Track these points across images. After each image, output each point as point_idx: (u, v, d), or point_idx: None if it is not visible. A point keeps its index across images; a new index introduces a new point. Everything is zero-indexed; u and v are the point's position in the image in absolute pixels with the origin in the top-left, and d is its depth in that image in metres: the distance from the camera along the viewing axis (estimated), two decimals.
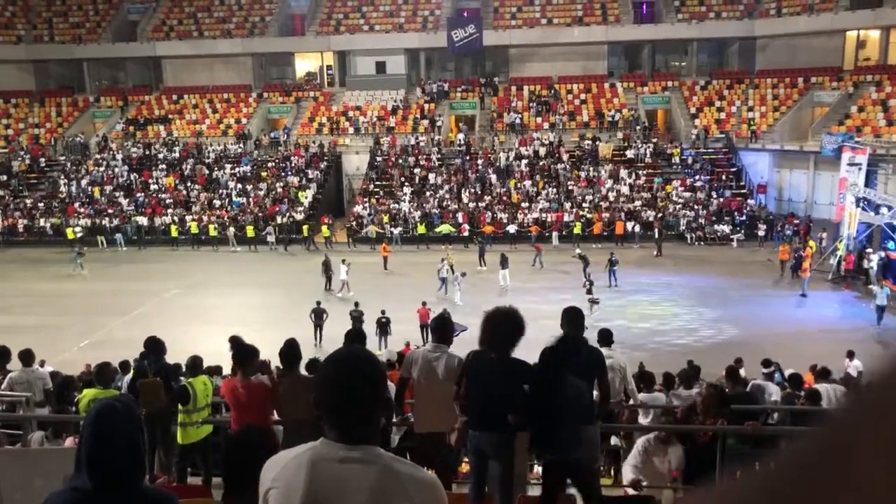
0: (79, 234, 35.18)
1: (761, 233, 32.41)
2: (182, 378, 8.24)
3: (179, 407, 7.43)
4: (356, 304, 20.70)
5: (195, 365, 7.84)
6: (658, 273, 27.10)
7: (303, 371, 6.97)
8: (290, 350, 6.31)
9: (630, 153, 38.47)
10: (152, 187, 39.35)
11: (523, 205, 35.57)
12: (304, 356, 7.03)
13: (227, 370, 11.11)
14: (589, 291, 22.77)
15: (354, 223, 35.56)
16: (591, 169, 37.58)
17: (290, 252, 33.24)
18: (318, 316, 20.46)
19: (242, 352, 6.33)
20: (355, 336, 6.55)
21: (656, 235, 31.49)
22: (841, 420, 0.42)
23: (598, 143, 39.04)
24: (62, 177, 40.32)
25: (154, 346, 8.35)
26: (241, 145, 41.71)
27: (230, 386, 6.35)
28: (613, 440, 8.46)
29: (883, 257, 25.78)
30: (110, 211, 37.28)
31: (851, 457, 0.38)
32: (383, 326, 19.48)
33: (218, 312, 23.59)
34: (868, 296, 23.72)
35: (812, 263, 26.18)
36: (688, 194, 35.54)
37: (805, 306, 23.98)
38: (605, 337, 8.66)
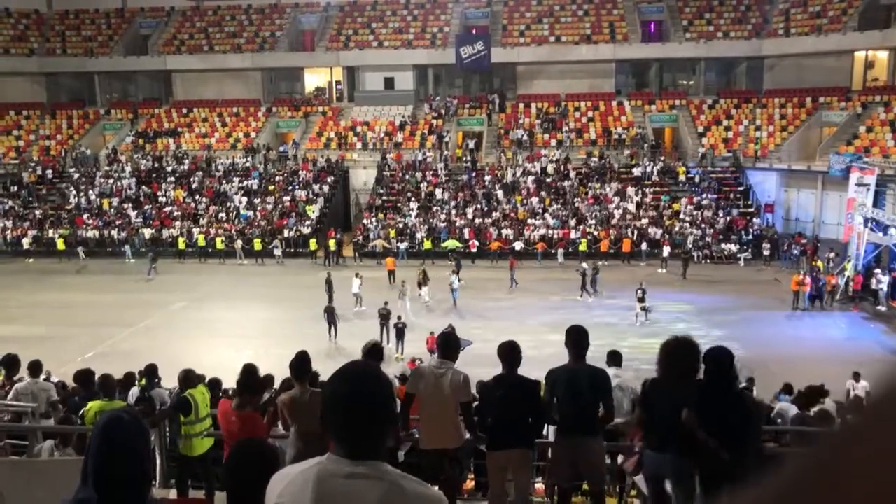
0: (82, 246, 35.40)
1: (766, 252, 32.32)
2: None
3: (181, 418, 7.41)
4: (385, 303, 21.64)
5: (188, 378, 7.84)
6: (665, 291, 27.02)
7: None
8: (301, 362, 6.28)
9: (637, 171, 38.49)
10: (161, 200, 39.55)
11: (529, 221, 35.58)
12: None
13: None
14: (641, 300, 23.45)
15: (361, 237, 35.63)
16: (597, 186, 37.62)
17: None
18: (331, 314, 21.80)
19: (248, 382, 6.31)
20: (372, 350, 6.48)
21: (665, 254, 31.46)
22: (831, 439, 0.47)
23: (606, 161, 39.09)
24: (71, 188, 40.58)
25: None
26: (250, 159, 41.93)
27: (224, 410, 6.34)
28: (620, 459, 8.40)
29: (893, 278, 25.65)
30: (118, 222, 37.47)
31: (839, 474, 0.44)
32: (400, 331, 20.39)
33: (224, 326, 23.62)
34: (877, 317, 23.58)
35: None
36: (695, 212, 35.49)
37: (812, 326, 23.84)
38: (614, 357, 8.64)
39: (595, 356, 5.97)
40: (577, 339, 5.71)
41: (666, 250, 31.79)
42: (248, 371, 6.48)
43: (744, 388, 5.42)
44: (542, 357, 10.53)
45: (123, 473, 2.22)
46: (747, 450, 4.56)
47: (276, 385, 10.20)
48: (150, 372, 10.72)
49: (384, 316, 21.12)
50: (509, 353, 5.74)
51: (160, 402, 9.42)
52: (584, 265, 27.81)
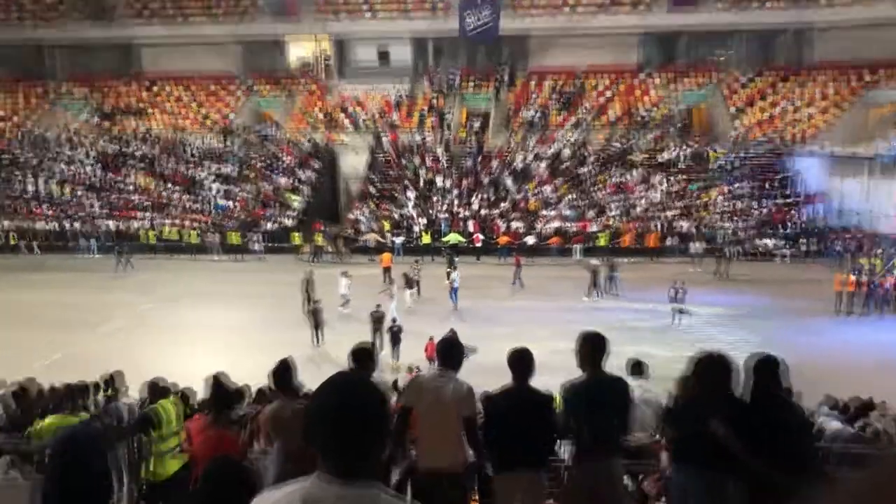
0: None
1: (808, 248, 32.28)
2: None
3: (148, 434, 7.42)
4: (378, 306, 21.69)
5: (156, 388, 7.84)
6: (695, 293, 26.99)
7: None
8: (284, 371, 6.27)
9: (664, 156, 38.47)
10: (126, 188, 39.57)
11: (542, 212, 35.58)
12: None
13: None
14: (675, 300, 23.76)
15: (351, 231, 35.64)
16: (619, 173, 37.60)
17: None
18: (316, 316, 21.86)
19: (222, 397, 6.31)
20: (362, 353, 6.41)
21: (693, 249, 31.46)
22: (888, 461, 0.53)
23: (629, 144, 39.05)
24: (26, 174, 40.57)
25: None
26: (226, 141, 41.92)
27: (197, 427, 6.33)
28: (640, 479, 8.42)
29: None
30: (78, 213, 37.50)
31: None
32: (395, 335, 20.49)
33: (196, 329, 23.64)
34: None
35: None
36: (729, 203, 35.48)
37: (859, 332, 23.83)
38: (637, 367, 8.66)
39: (612, 364, 5.97)
40: (594, 347, 5.70)
41: (696, 246, 31.78)
42: (218, 382, 6.48)
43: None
44: (554, 365, 10.54)
45: (83, 492, 2.24)
46: (801, 464, 4.65)
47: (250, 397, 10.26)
48: (113, 381, 10.74)
49: (377, 319, 21.22)
50: (520, 362, 5.73)
51: (124, 416, 9.44)
52: (595, 261, 27.84)
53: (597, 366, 5.71)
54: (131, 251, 32.67)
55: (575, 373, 5.82)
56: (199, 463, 6.25)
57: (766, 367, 5.08)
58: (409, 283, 26.13)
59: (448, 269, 27.52)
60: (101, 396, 10.65)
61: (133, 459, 7.77)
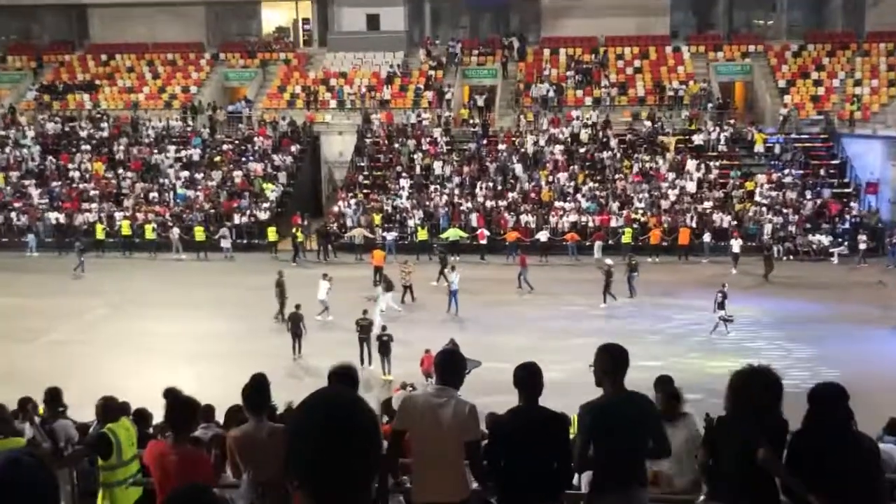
0: None
1: (863, 245, 32.26)
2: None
3: (100, 462, 7.39)
4: (364, 312, 21.91)
5: (108, 408, 7.81)
6: (735, 297, 27.03)
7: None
8: (258, 389, 6.24)
9: (699, 139, 38.45)
10: (73, 174, 39.53)
11: (557, 204, 35.56)
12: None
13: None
14: (721, 306, 23.79)
15: (335, 225, 35.61)
16: (646, 159, 37.57)
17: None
18: (296, 323, 21.97)
19: (180, 412, 6.29)
20: (341, 374, 6.42)
21: (735, 248, 31.40)
22: None
23: (658, 125, 39.06)
24: None
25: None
26: (190, 121, 41.88)
27: (157, 451, 6.29)
28: None
29: None
30: (17, 205, 37.46)
31: None
32: (385, 345, 20.73)
33: (155, 340, 23.63)
34: None
35: None
36: (774, 193, 35.46)
37: None
38: (665, 384, 8.66)
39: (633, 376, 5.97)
40: (614, 360, 5.69)
41: (736, 244, 31.75)
42: (175, 395, 6.46)
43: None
44: (568, 381, 10.58)
45: None
46: (865, 499, 4.64)
47: (219, 417, 10.24)
48: (53, 398, 10.66)
49: (364, 328, 21.29)
50: (528, 378, 5.72)
51: (66, 439, 9.40)
52: (609, 261, 27.85)
53: (618, 382, 5.70)
54: (84, 248, 32.54)
55: (593, 391, 5.82)
56: (163, 491, 6.23)
57: (829, 399, 4.96)
58: (389, 286, 26.12)
59: (444, 270, 27.56)
60: (37, 418, 10.59)
61: (80, 490, 7.74)
